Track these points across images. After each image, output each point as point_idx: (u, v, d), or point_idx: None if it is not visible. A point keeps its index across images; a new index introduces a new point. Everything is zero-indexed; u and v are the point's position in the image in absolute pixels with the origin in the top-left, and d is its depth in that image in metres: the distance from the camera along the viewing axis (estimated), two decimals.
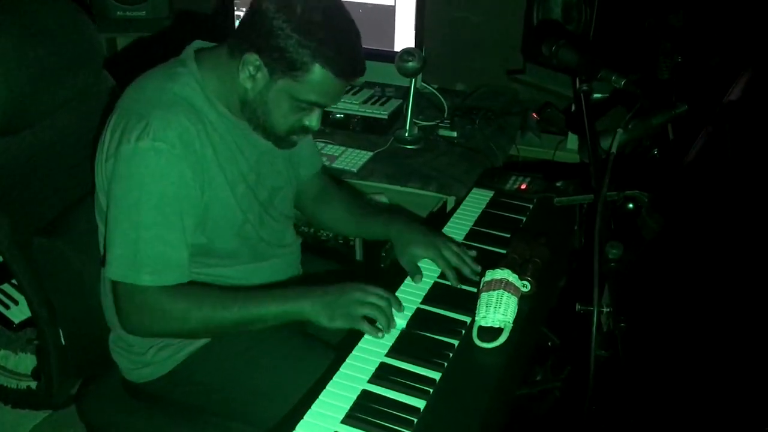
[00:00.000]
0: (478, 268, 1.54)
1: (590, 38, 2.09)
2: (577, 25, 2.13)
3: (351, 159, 2.25)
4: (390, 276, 1.60)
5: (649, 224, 1.28)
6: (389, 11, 2.48)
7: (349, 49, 1.37)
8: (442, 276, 1.56)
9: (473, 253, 1.61)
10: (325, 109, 1.47)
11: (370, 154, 2.28)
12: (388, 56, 2.41)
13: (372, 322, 1.37)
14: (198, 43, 1.49)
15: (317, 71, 1.34)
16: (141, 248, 1.34)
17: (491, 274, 1.43)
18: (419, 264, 1.58)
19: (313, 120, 1.44)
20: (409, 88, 2.34)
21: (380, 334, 1.36)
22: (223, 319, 1.39)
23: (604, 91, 1.39)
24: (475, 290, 1.49)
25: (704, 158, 1.14)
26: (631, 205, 1.30)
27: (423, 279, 1.55)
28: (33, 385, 2.21)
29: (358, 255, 2.33)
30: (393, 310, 1.41)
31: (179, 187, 1.36)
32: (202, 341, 1.54)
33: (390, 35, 2.51)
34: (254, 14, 1.35)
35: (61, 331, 1.58)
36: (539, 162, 2.50)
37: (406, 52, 2.27)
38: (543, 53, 1.58)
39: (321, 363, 1.46)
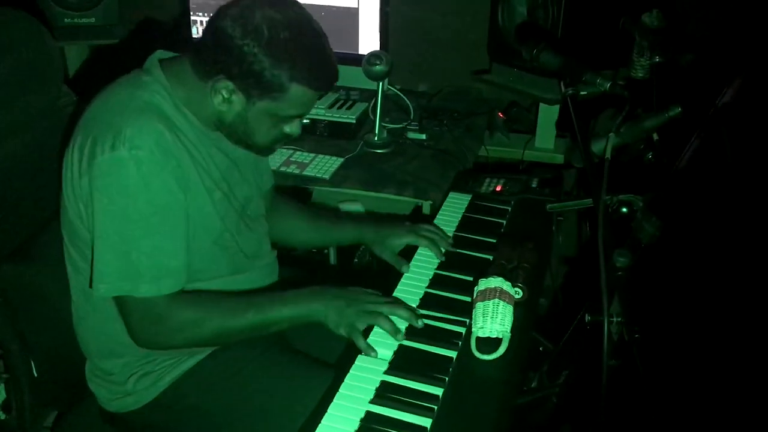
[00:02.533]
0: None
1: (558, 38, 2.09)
2: (544, 24, 2.13)
3: (322, 166, 2.20)
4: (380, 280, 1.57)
5: (646, 228, 1.28)
6: (353, 14, 2.44)
7: (322, 61, 1.35)
8: (431, 285, 1.54)
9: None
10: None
11: (341, 160, 2.24)
12: (353, 59, 2.37)
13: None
14: (160, 53, 1.43)
15: (294, 89, 1.32)
16: (134, 260, 1.30)
17: (485, 283, 1.41)
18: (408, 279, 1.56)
19: (294, 128, 1.44)
20: (377, 91, 2.31)
21: (373, 354, 1.32)
22: (239, 326, 1.37)
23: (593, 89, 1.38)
24: (466, 298, 1.48)
25: (700, 162, 1.15)
26: (625, 209, 1.30)
27: (413, 288, 1.52)
28: (2, 416, 2.10)
29: (332, 259, 2.30)
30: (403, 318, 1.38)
31: (165, 194, 1.31)
32: (186, 366, 1.48)
33: (354, 38, 2.47)
34: (219, 38, 1.30)
35: (33, 362, 1.50)
36: (509, 162, 2.50)
37: (374, 55, 2.23)
38: (523, 57, 1.56)
39: (315, 381, 1.43)
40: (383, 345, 1.35)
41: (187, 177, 1.36)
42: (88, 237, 1.35)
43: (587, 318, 1.08)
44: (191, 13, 2.54)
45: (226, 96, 1.33)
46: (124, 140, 1.26)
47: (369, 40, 2.46)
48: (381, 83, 2.29)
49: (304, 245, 1.82)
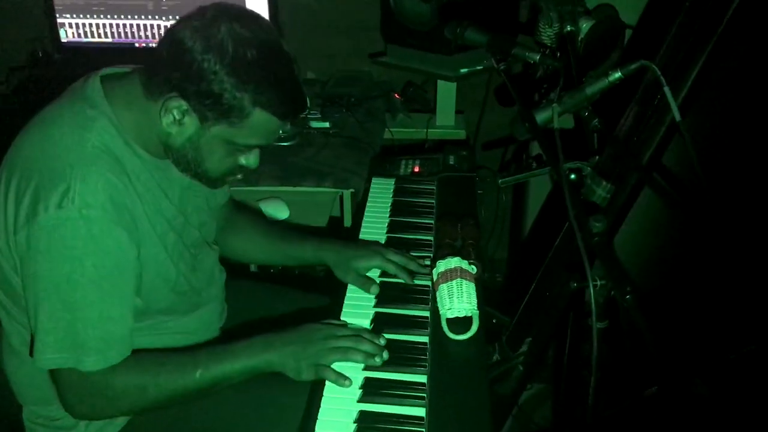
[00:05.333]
0: (425, 263, 1.52)
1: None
2: None
3: None
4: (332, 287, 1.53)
5: (597, 192, 1.33)
6: (239, 2, 2.34)
7: (289, 86, 1.22)
8: (383, 274, 1.52)
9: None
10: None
11: None
12: None
13: None
14: (105, 71, 1.27)
15: (257, 115, 1.18)
16: (80, 330, 1.15)
17: (444, 264, 1.41)
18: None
19: (251, 159, 1.30)
20: None
21: (347, 383, 1.22)
22: (186, 387, 1.23)
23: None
24: (420, 282, 1.48)
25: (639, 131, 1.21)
26: (573, 176, 1.35)
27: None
28: None
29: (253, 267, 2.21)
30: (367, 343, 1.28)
31: (116, 255, 1.17)
32: None
33: None
34: (176, 52, 1.15)
35: None
36: (415, 142, 2.51)
37: None
38: (446, 36, 1.57)
39: (286, 392, 1.36)
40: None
41: (140, 229, 1.23)
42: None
43: (573, 285, 1.11)
44: (57, 15, 2.34)
45: (177, 117, 1.19)
46: (74, 198, 1.11)
47: None
48: None
49: (260, 263, 1.64)
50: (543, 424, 2.06)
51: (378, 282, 1.48)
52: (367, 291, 1.45)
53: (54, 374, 1.20)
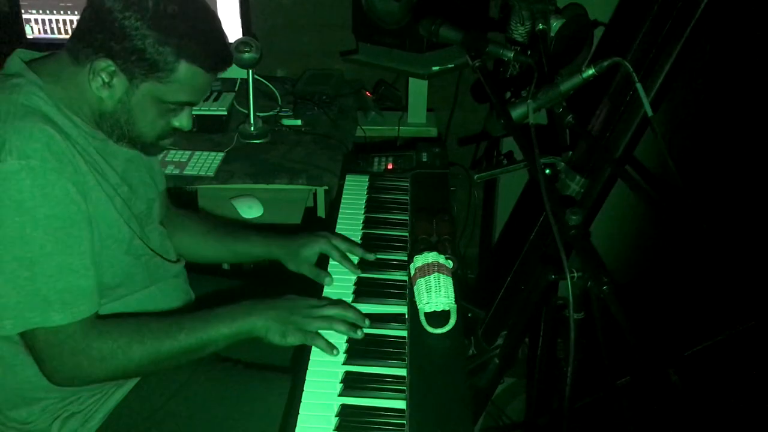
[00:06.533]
0: (372, 254, 1.54)
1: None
2: None
3: (202, 163, 2.09)
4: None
5: (571, 186, 1.36)
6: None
7: (213, 38, 1.25)
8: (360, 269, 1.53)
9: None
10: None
11: (222, 154, 2.14)
12: None
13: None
14: (22, 53, 1.26)
15: (183, 69, 1.21)
16: (41, 286, 1.13)
17: (421, 259, 1.42)
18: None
19: (183, 120, 1.31)
20: (247, 79, 2.23)
21: (335, 351, 1.26)
22: (170, 349, 1.23)
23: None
24: (397, 276, 1.50)
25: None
26: (548, 171, 1.37)
27: (344, 275, 1.49)
28: None
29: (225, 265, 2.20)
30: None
31: (66, 204, 1.15)
32: (116, 399, 1.36)
33: None
34: (96, 13, 1.17)
35: None
36: (387, 140, 2.52)
37: (242, 42, 2.15)
38: (420, 33, 1.58)
39: (264, 386, 1.36)
40: (330, 336, 1.32)
41: (86, 182, 1.20)
42: None
43: (551, 276, 1.13)
44: (23, 11, 2.29)
45: (106, 79, 1.19)
46: (11, 150, 1.10)
47: (230, 27, 2.35)
48: (250, 71, 2.22)
49: (208, 261, 1.63)
50: (515, 417, 2.09)
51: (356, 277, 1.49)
52: (321, 282, 1.46)
53: (27, 339, 1.18)
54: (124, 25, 1.15)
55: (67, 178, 1.15)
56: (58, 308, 1.15)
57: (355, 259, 1.53)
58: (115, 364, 1.21)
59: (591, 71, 1.27)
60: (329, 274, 1.48)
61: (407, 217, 1.73)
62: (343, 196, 1.85)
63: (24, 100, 1.17)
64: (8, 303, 1.14)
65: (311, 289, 1.50)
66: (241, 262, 1.64)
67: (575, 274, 1.12)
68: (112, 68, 1.19)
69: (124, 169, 1.34)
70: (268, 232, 1.61)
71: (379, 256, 1.57)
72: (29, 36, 2.33)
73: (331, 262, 1.53)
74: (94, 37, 1.18)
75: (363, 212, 1.76)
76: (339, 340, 1.32)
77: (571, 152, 1.38)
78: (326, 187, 2.05)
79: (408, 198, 1.84)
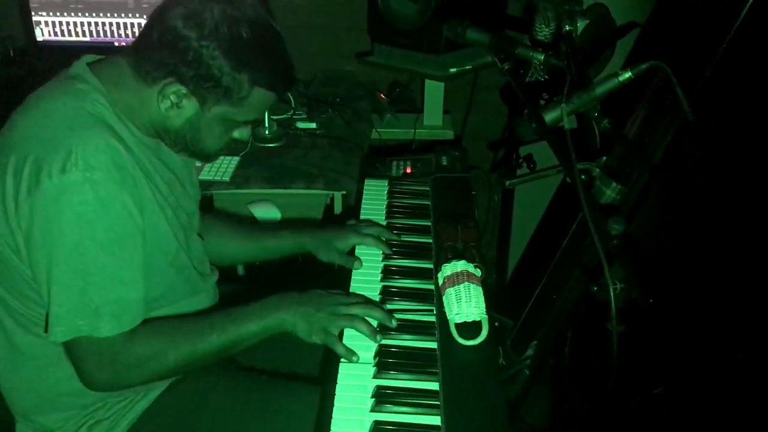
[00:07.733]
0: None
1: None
2: None
3: (217, 168, 2.06)
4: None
5: (607, 193, 1.32)
6: None
7: (282, 62, 1.24)
8: (384, 278, 1.49)
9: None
10: None
11: (236, 159, 2.10)
12: None
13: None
14: (87, 58, 1.26)
15: (256, 93, 1.21)
16: (93, 296, 1.13)
17: (450, 268, 1.38)
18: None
19: (244, 132, 1.32)
20: None
21: (355, 358, 1.25)
22: (204, 351, 1.24)
23: None
24: (423, 285, 1.46)
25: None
26: (582, 177, 1.33)
27: (368, 284, 1.46)
28: None
29: (240, 270, 2.16)
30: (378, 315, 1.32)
31: (124, 218, 1.15)
32: (142, 406, 1.34)
33: None
34: (171, 39, 1.15)
35: None
36: (403, 143, 2.48)
37: None
38: (446, 35, 1.54)
39: (290, 399, 1.33)
40: (360, 348, 1.29)
41: (143, 195, 1.21)
42: (26, 273, 1.16)
43: (592, 288, 1.10)
44: (33, 13, 2.25)
45: (175, 101, 1.19)
46: (77, 161, 1.09)
47: None
48: None
49: (241, 261, 1.66)
50: (537, 424, 2.05)
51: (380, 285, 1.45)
52: (352, 267, 1.49)
53: (70, 346, 1.18)
54: (201, 53, 1.15)
55: (127, 192, 1.16)
56: (107, 319, 1.16)
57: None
58: (150, 369, 1.22)
59: (628, 74, 1.23)
60: (358, 259, 1.51)
61: (430, 223, 1.69)
62: (363, 201, 1.81)
63: (90, 107, 1.18)
64: (61, 311, 1.14)
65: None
66: (271, 258, 1.65)
67: (618, 286, 1.08)
68: (183, 92, 1.19)
69: (170, 181, 1.34)
70: (295, 225, 1.63)
71: (403, 264, 1.54)
72: (39, 39, 2.29)
73: (358, 247, 1.57)
74: (165, 61, 1.17)
75: (384, 218, 1.72)
76: (366, 353, 1.28)
77: (605, 158, 1.34)
78: (344, 192, 2.01)
79: (430, 203, 1.80)
